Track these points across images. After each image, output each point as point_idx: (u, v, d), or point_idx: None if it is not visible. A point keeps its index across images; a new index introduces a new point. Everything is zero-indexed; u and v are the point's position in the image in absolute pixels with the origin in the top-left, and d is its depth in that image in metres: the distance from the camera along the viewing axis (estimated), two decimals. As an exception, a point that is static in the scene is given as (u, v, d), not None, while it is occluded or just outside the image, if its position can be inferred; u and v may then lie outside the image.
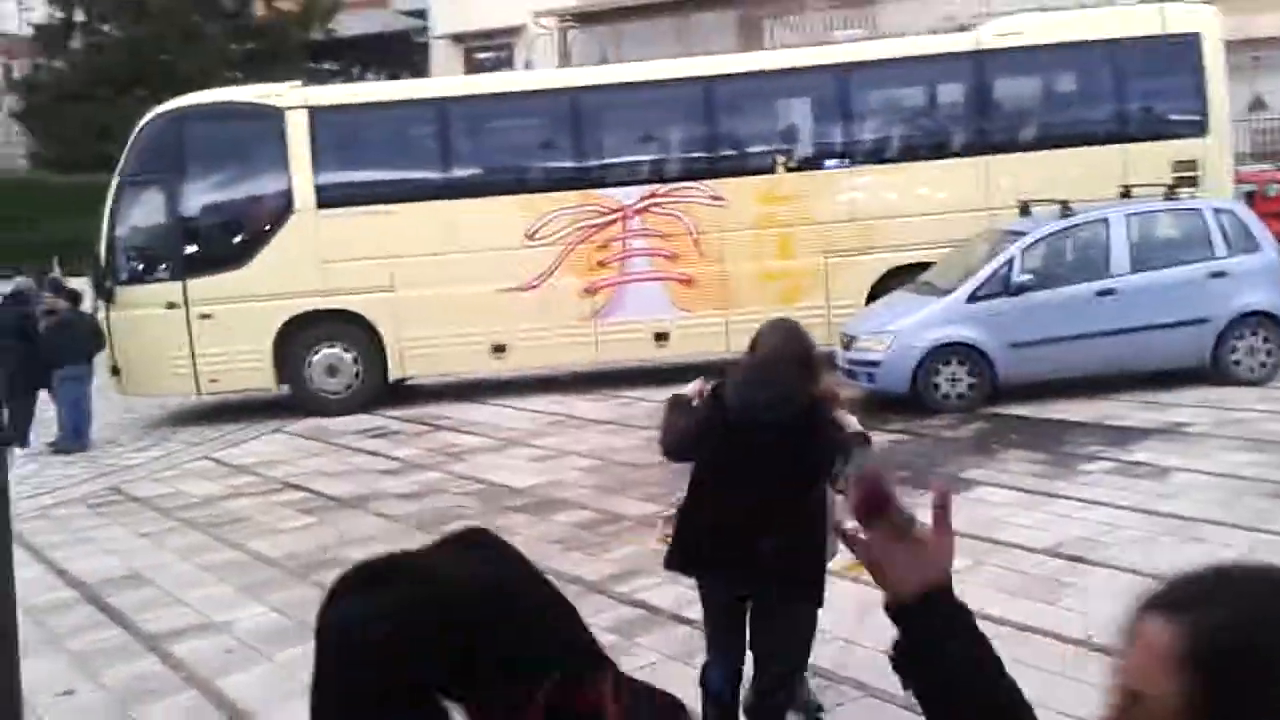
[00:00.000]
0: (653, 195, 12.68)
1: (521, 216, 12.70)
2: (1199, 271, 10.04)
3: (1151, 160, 12.07)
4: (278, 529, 8.16)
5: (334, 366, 12.87)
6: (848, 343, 10.63)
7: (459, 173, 12.98)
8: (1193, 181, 11.41)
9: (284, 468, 10.25)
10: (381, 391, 13.03)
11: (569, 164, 12.92)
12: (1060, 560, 6.23)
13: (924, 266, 11.87)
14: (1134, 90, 12.49)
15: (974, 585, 5.92)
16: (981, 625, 1.40)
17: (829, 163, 12.71)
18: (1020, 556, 6.35)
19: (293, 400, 12.91)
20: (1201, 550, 6.16)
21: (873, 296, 12.30)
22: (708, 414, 4.07)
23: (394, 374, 13.03)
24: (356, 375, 12.92)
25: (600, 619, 5.91)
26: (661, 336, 12.82)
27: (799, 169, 12.64)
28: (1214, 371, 10.17)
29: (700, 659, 5.30)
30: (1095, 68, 12.63)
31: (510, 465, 9.76)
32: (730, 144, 12.94)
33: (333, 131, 12.71)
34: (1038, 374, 10.13)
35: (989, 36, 12.58)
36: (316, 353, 12.81)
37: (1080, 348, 10.01)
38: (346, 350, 12.89)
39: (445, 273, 12.51)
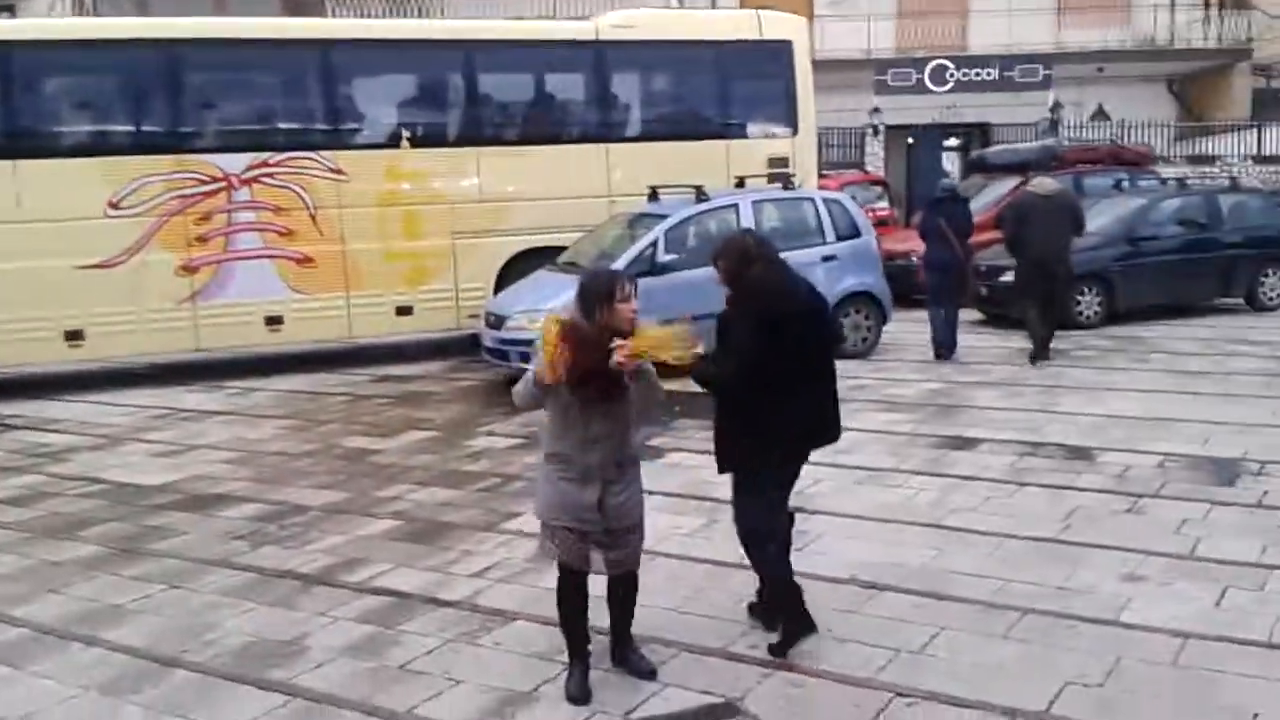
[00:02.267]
0: (263, 164, 11.55)
1: (104, 182, 11.03)
2: (814, 255, 10.91)
3: (749, 155, 13.01)
4: None
5: None
6: (496, 323, 10.35)
7: (23, 128, 10.98)
8: (786, 176, 12.32)
9: None
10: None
11: (162, 124, 11.41)
12: (785, 514, 6.42)
13: (551, 250, 11.89)
14: (733, 89, 13.33)
15: (717, 540, 5.95)
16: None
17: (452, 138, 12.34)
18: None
19: None
20: (901, 495, 6.64)
21: (500, 280, 12.13)
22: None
23: (-66, 366, 10.79)
24: (-117, 368, 10.54)
25: (345, 613, 5.22)
26: (274, 320, 11.72)
27: (424, 145, 12.12)
28: (824, 347, 11.08)
29: (485, 639, 4.86)
30: (699, 66, 13.31)
31: (128, 463, 8.40)
32: (350, 114, 12.12)
33: None
34: (678, 351, 10.46)
35: (606, 28, 12.86)
36: None
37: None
38: None
39: (6, 244, 10.57)
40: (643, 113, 13.29)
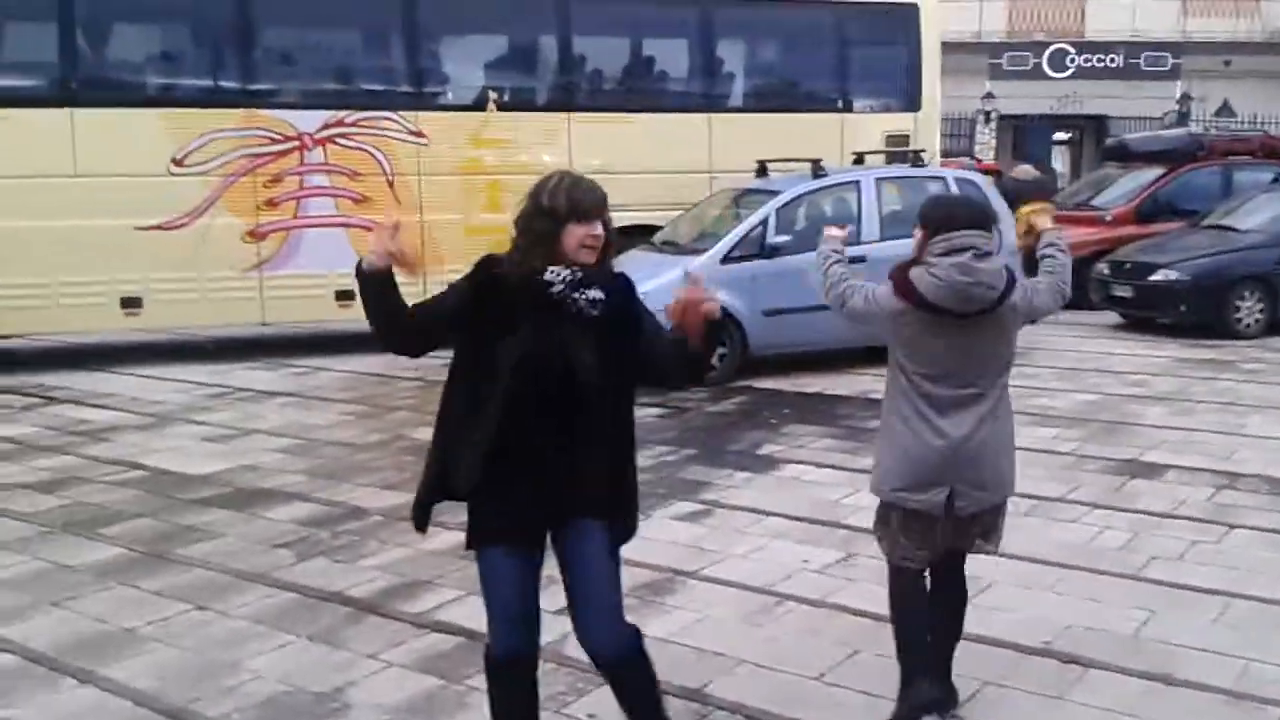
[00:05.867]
0: (339, 123, 10.63)
1: (167, 136, 10.20)
2: (943, 243, 9.64)
3: (866, 130, 11.82)
4: None
5: (-102, 321, 9.69)
6: (585, 305, 9.28)
7: (82, 74, 10.19)
8: (916, 153, 11.02)
9: None
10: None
11: (232, 74, 10.56)
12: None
13: (645, 230, 10.80)
14: (852, 56, 12.12)
15: (861, 581, 4.81)
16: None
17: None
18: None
19: None
20: (1082, 533, 5.43)
21: (589, 259, 11.07)
22: None
23: (-17, 332, 10.03)
24: (-70, 332, 9.82)
25: (400, 655, 4.18)
26: (345, 295, 10.76)
27: (512, 108, 11.10)
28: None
29: (576, 706, 3.79)
30: (815, 29, 12.12)
31: (174, 447, 7.50)
32: (434, 72, 11.16)
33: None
34: (786, 344, 9.35)
35: (712, -14, 11.73)
36: None
37: (832, 316, 9.32)
38: (-83, 300, 9.74)
39: (60, 201, 9.80)
40: (750, 80, 12.17)
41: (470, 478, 2.87)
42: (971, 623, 4.33)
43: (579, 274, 2.87)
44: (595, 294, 2.88)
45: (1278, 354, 10.23)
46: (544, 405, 2.84)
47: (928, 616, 3.55)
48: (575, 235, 2.85)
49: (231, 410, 8.67)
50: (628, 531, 3.03)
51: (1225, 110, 26.15)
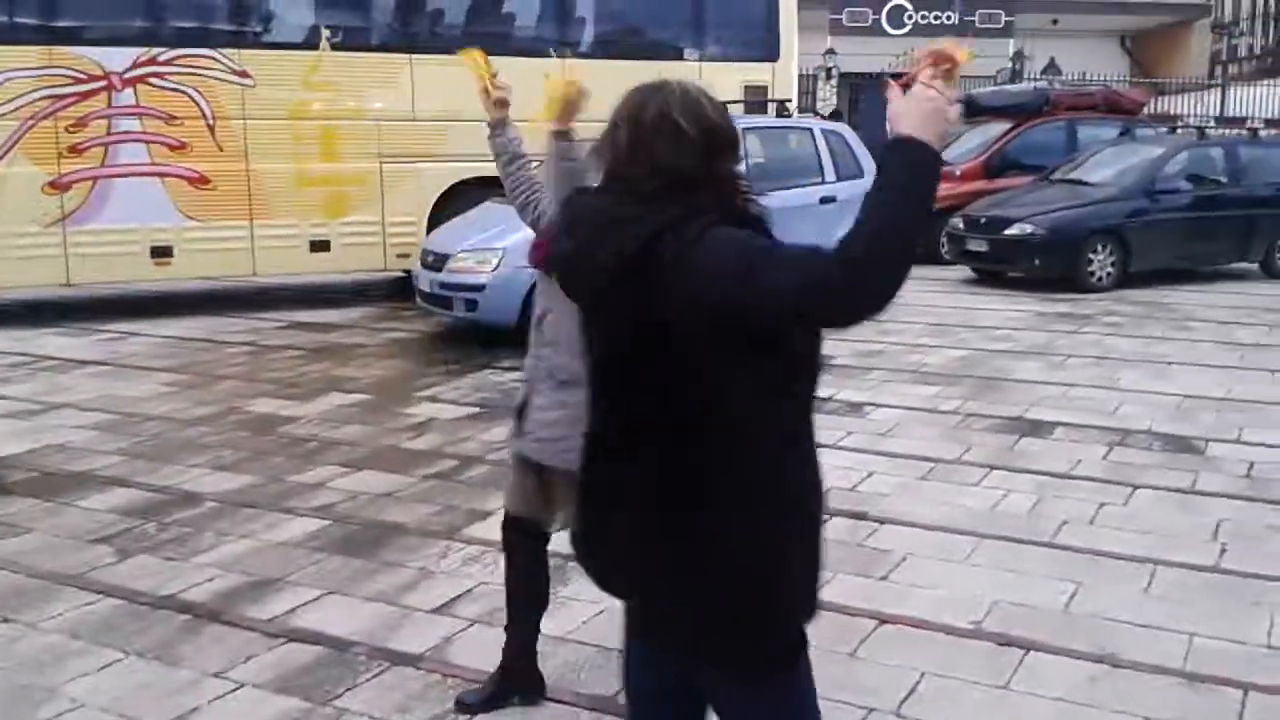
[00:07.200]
0: (151, 62, 9.55)
1: (-46, 77, 8.98)
2: (812, 195, 9.37)
3: (724, 80, 11.37)
4: None
5: None
6: (436, 263, 8.59)
7: None
8: (781, 103, 10.75)
9: None
10: None
11: (28, 8, 9.33)
12: (839, 518, 4.87)
13: (497, 181, 10.14)
14: (710, 4, 11.66)
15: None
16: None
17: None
18: (791, 518, 4.89)
19: None
20: (986, 497, 5.15)
21: (435, 214, 10.37)
22: None
23: None
24: None
25: (251, 673, 3.55)
26: (161, 252, 9.79)
27: (347, 48, 10.22)
28: (816, 303, 9.58)
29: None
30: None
31: (-35, 425, 6.53)
32: (259, 7, 10.13)
33: None
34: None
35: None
36: None
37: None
38: None
39: None
40: (602, 25, 11.54)
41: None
42: (893, 601, 4.00)
43: None
44: None
45: (1133, 306, 10.35)
46: None
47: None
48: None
49: (33, 383, 7.65)
50: None
51: (1052, 68, 26.93)
